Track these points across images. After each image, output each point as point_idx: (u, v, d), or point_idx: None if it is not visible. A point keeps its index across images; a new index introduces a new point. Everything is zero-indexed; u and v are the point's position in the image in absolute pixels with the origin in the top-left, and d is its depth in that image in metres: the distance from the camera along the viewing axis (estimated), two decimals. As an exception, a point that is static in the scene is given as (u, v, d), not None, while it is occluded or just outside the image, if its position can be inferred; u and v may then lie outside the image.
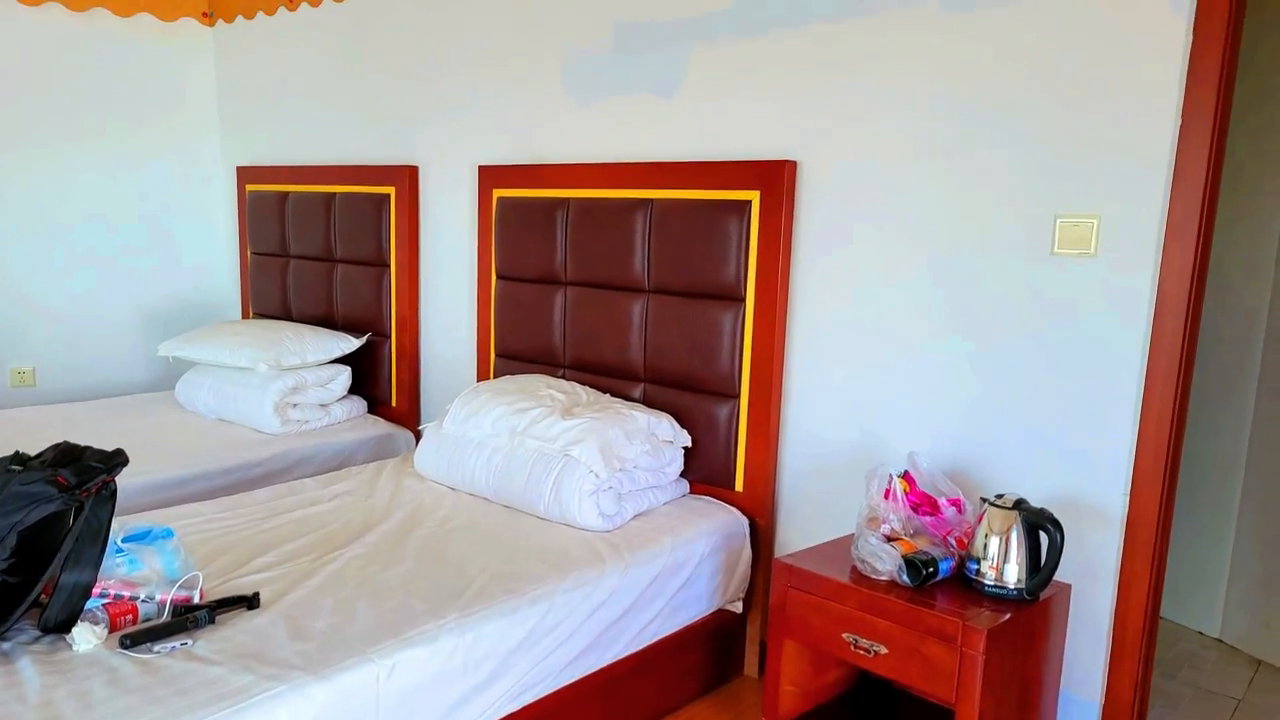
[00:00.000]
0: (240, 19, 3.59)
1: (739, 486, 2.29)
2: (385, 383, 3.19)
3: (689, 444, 2.32)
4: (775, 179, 2.14)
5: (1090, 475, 1.79)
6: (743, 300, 2.22)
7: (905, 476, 1.78)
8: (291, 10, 3.36)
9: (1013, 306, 1.85)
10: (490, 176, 2.77)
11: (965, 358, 1.93)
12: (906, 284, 2.00)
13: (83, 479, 1.48)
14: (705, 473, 2.34)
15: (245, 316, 3.77)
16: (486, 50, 2.78)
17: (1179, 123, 1.63)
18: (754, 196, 2.18)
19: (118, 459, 1.56)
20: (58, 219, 3.48)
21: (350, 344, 3.09)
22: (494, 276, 2.79)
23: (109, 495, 1.53)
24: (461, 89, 2.87)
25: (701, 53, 2.28)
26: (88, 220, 3.55)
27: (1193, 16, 1.60)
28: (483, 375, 2.87)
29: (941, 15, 1.87)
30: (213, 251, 3.89)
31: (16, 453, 1.56)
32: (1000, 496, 1.67)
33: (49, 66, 3.37)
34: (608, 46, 2.48)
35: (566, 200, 2.57)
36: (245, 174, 3.64)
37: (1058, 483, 1.83)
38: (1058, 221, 1.77)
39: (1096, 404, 1.77)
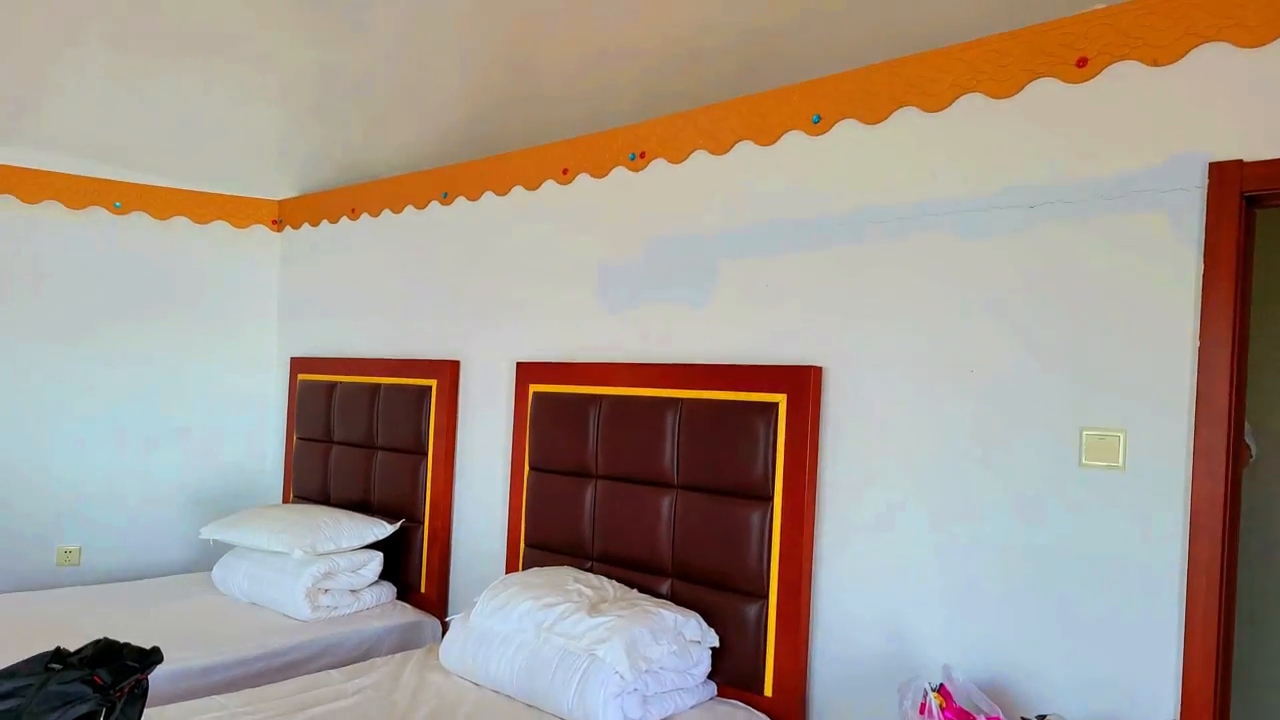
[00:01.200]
0: (306, 226, 3.79)
1: (768, 691, 2.16)
2: (415, 569, 3.13)
3: (717, 644, 2.21)
4: (801, 383, 2.15)
5: (1132, 698, 1.67)
6: (770, 499, 2.18)
7: (941, 690, 1.68)
8: (353, 220, 3.55)
9: (1044, 518, 1.79)
10: (527, 373, 2.82)
11: (997, 566, 1.85)
12: (934, 489, 1.96)
13: (117, 679, 1.46)
14: (733, 674, 2.22)
15: (286, 499, 3.77)
16: (527, 258, 2.89)
17: (1197, 345, 1.62)
18: (781, 399, 2.18)
19: (153, 658, 1.53)
20: (115, 400, 3.55)
21: (384, 529, 3.05)
22: (527, 468, 2.78)
23: (140, 694, 1.49)
24: (503, 291, 2.97)
25: (728, 267, 2.36)
26: (144, 403, 3.62)
27: (1201, 247, 1.62)
28: (512, 565, 2.81)
29: (961, 243, 1.92)
30: (262, 436, 3.93)
31: (57, 649, 1.56)
32: (1042, 718, 1.56)
33: (130, 263, 3.55)
34: (640, 259, 2.57)
35: (599, 397, 2.59)
36: (299, 364, 3.74)
37: (1100, 704, 1.71)
38: (1084, 434, 1.74)
39: (1136, 622, 1.67)
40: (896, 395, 2.02)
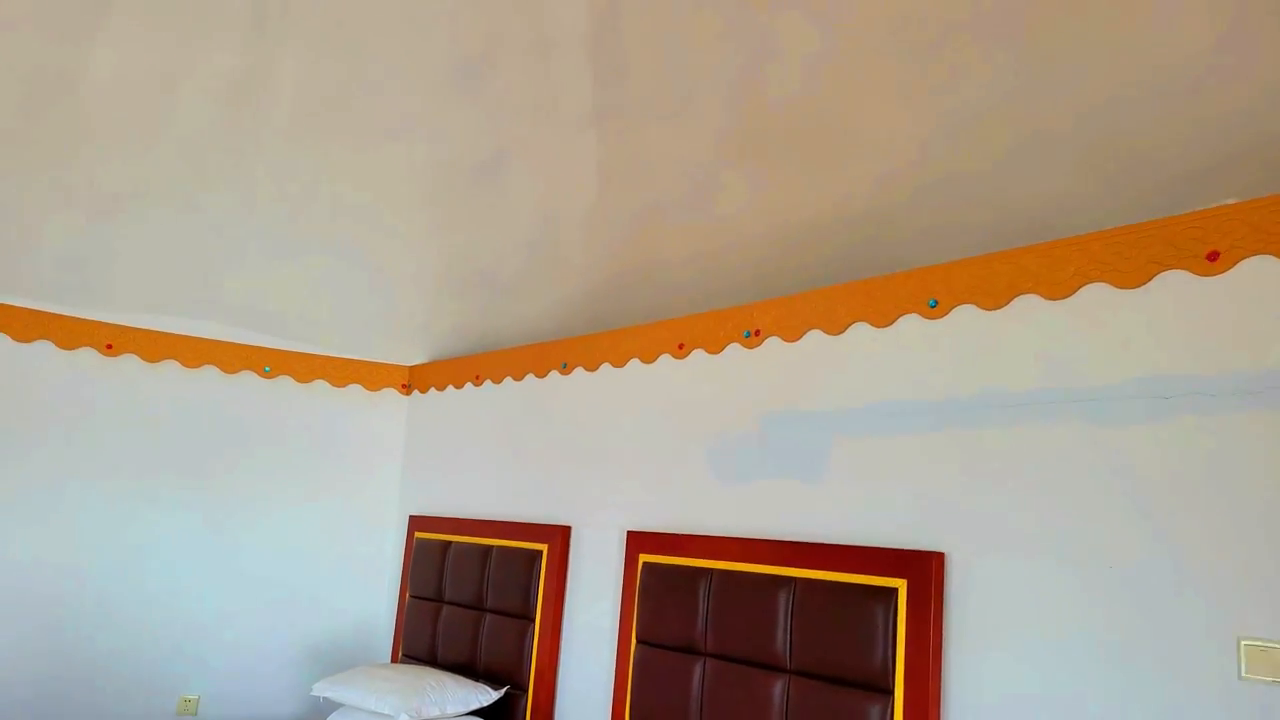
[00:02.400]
0: (433, 390, 3.92)
1: None
2: (517, 739, 3.00)
3: None
4: (922, 569, 2.02)
5: None
6: (890, 693, 2.02)
7: None
8: (477, 386, 3.66)
9: (1198, 731, 1.60)
10: (637, 542, 2.76)
11: (1148, 786, 1.64)
12: (1074, 695, 1.77)
13: None
14: None
15: (395, 657, 3.72)
16: (641, 429, 2.89)
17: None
18: (900, 585, 2.06)
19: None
20: (238, 552, 3.63)
21: (488, 696, 2.96)
22: (634, 640, 2.68)
23: None
24: (616, 460, 2.96)
25: (844, 445, 2.29)
26: (267, 555, 3.69)
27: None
28: (615, 744, 2.66)
29: (1091, 432, 1.82)
30: (377, 591, 3.94)
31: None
32: None
33: (273, 422, 3.72)
34: (753, 435, 2.53)
35: (710, 571, 2.50)
36: (416, 522, 3.78)
37: None
38: (1242, 644, 1.56)
39: None
40: (1026, 588, 1.87)
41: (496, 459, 3.48)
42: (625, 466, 2.92)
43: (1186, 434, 1.68)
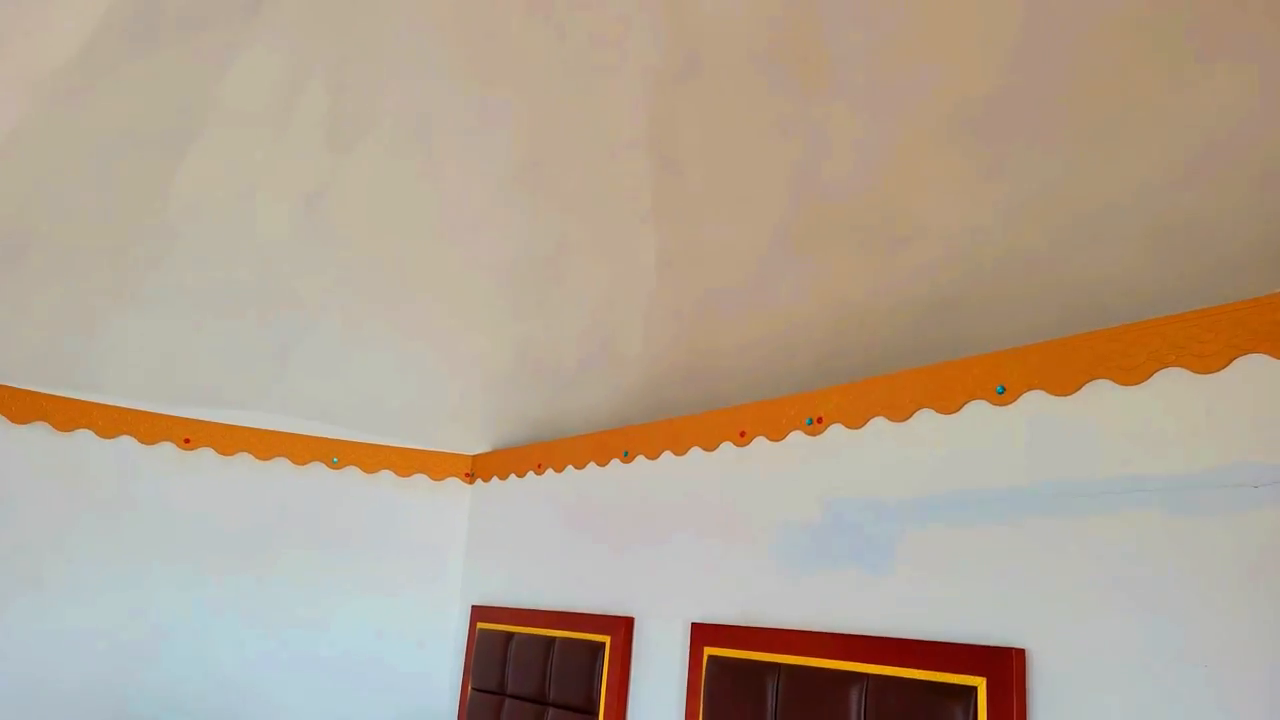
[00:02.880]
0: (495, 479, 3.94)
1: None
2: (582, 842, 2.90)
3: None
4: (1002, 667, 1.93)
5: None
6: (974, 801, 1.91)
7: None
8: (539, 475, 3.66)
9: None
10: (702, 634, 2.69)
11: None
12: (1172, 805, 1.65)
13: None
14: None
15: (457, 752, 3.65)
16: (704, 518, 2.85)
17: None
18: (979, 683, 1.96)
19: None
20: (304, 641, 3.64)
21: (553, 797, 2.88)
22: (701, 739, 2.59)
23: None
24: (680, 550, 2.92)
25: (913, 535, 2.22)
26: (332, 645, 3.69)
27: None
28: None
29: (1175, 522, 1.74)
30: (438, 684, 3.90)
31: None
32: None
33: (341, 512, 3.77)
34: (818, 524, 2.47)
35: (777, 666, 2.42)
36: (479, 613, 3.75)
37: None
38: (1361, 757, 1.45)
39: None
40: (1112, 686, 1.77)
41: (559, 548, 3.46)
42: (688, 556, 2.88)
43: (1276, 525, 1.60)
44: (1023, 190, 2.10)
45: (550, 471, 3.59)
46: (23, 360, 3.16)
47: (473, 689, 3.62)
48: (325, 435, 3.79)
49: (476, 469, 4.05)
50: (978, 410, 2.15)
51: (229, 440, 3.62)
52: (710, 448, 2.90)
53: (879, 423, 2.39)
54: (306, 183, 2.76)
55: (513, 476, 3.82)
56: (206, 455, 3.58)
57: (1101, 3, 1.82)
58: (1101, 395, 1.90)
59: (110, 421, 3.43)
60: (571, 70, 2.42)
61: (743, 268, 2.69)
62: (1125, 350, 1.87)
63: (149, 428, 3.50)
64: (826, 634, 2.33)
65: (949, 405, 2.21)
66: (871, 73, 2.15)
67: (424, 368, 3.53)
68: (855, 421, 2.45)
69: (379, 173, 2.74)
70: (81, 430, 3.39)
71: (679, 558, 2.91)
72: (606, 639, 3.05)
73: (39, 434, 3.34)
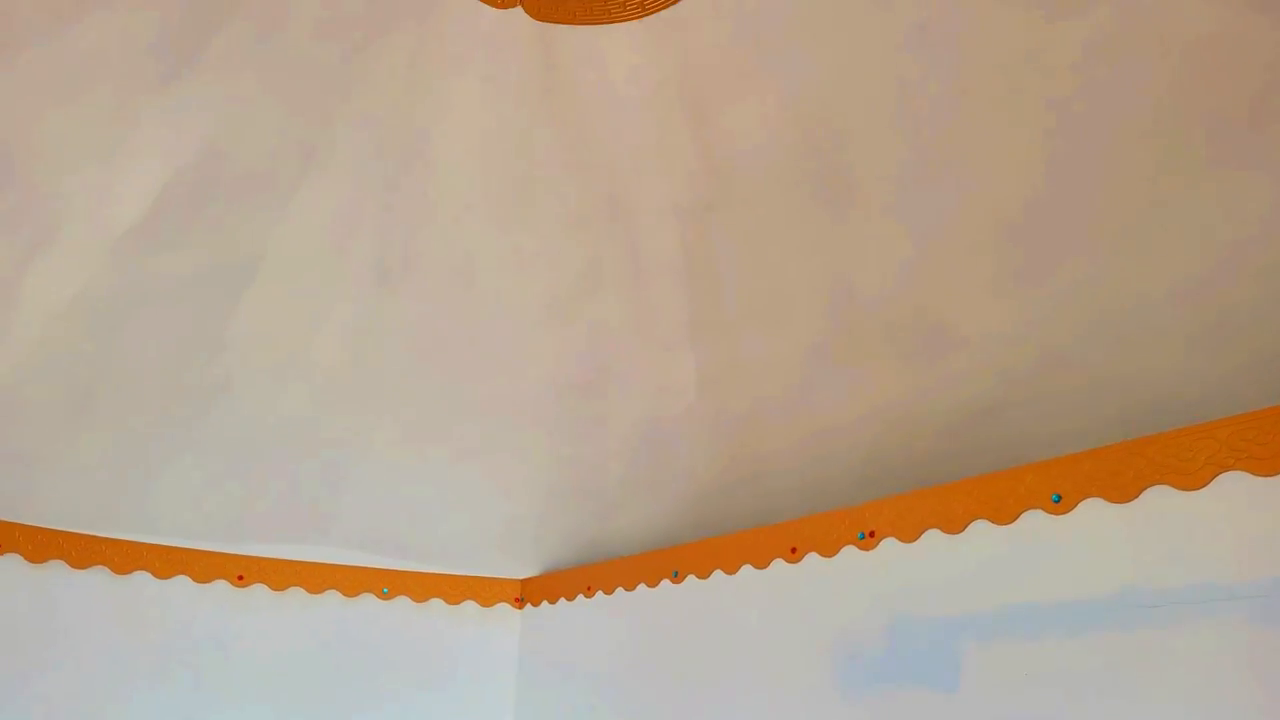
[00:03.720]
0: (545, 603, 3.89)
1: None
2: None
3: None
4: (1087, 795, 1.82)
5: None
6: None
7: None
8: (589, 598, 3.61)
9: None
10: (766, 764, 2.59)
11: None
12: None
13: None
14: None
15: None
16: (758, 634, 2.78)
17: None
18: (1064, 813, 1.85)
19: None
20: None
21: None
22: None
23: None
24: (733, 668, 2.83)
25: (975, 651, 2.14)
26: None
27: None
28: None
29: (1254, 632, 1.67)
30: (493, 821, 3.76)
31: None
32: None
33: (391, 642, 3.73)
34: (875, 641, 2.40)
35: (848, 797, 2.31)
36: (532, 744, 3.64)
37: None
38: None
39: None
40: (1212, 816, 1.66)
41: (610, 671, 3.37)
42: (743, 675, 2.79)
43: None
44: (1058, 293, 2.11)
45: (600, 594, 3.54)
46: (83, 506, 3.23)
47: (529, 827, 3.48)
48: (374, 565, 3.78)
49: (526, 593, 4.00)
50: (1034, 520, 2.10)
51: (281, 575, 3.63)
52: (762, 565, 2.85)
53: (933, 535, 2.34)
54: (356, 320, 2.86)
55: (563, 600, 3.76)
56: (259, 592, 3.59)
57: (1123, 114, 1.87)
58: (1162, 501, 1.86)
59: (166, 562, 3.47)
60: (602, 206, 2.51)
61: (783, 380, 2.70)
62: (1182, 454, 1.83)
63: (203, 566, 3.52)
64: (896, 761, 2.23)
65: (1004, 515, 2.16)
66: (901, 188, 2.20)
67: (471, 494, 3.54)
68: (909, 534, 2.41)
69: (424, 308, 2.83)
70: (139, 572, 3.42)
71: (734, 676, 2.82)
72: (666, 770, 2.94)
73: (98, 578, 3.38)
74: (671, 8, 2.06)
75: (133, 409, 2.96)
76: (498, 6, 2.13)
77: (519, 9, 2.13)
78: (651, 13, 2.09)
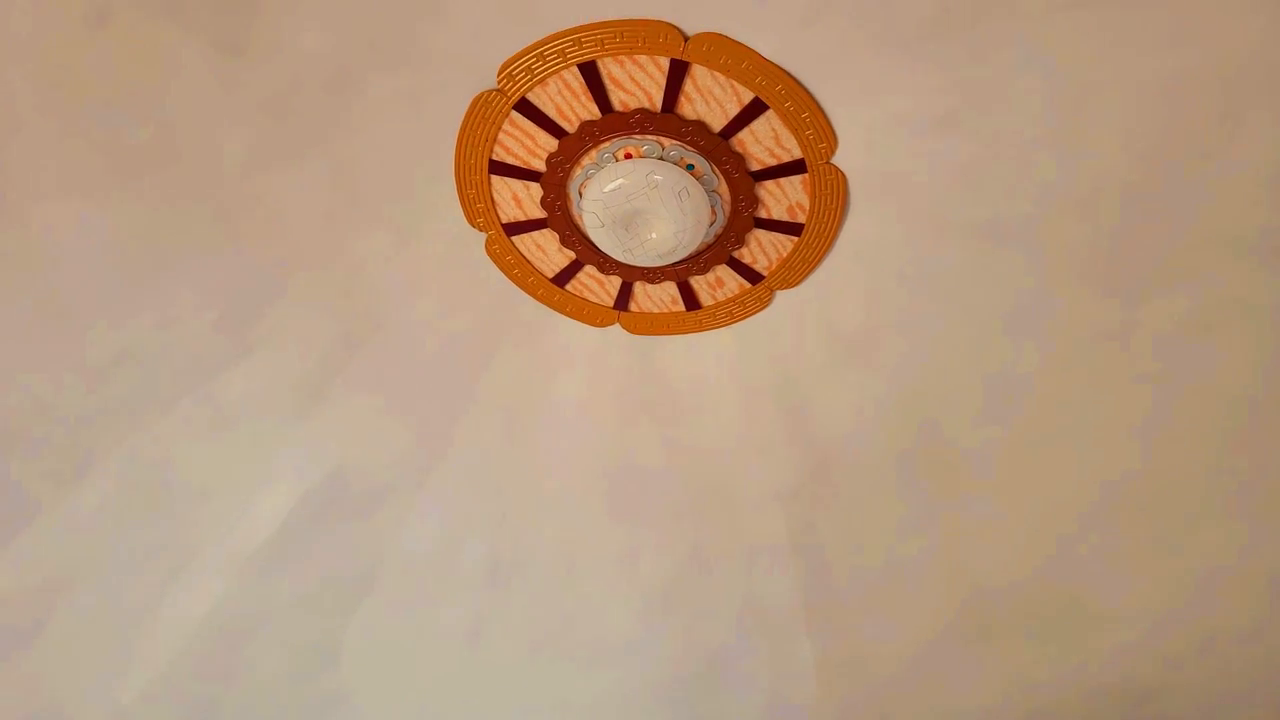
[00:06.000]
0: None
1: None
2: None
3: None
4: None
5: None
6: None
7: None
8: None
9: None
10: None
11: None
12: None
13: None
14: None
15: None
16: None
17: None
18: None
19: None
20: None
21: None
22: None
23: None
24: None
25: None
26: None
27: None
28: None
29: None
30: None
31: None
32: None
33: None
34: None
35: None
36: None
37: None
38: None
39: None
40: None
41: None
42: None
43: None
44: (1207, 565, 2.01)
45: None
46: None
47: None
48: None
49: None
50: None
51: None
52: None
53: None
54: (468, 621, 2.87)
55: None
56: None
57: (1214, 382, 1.86)
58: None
59: None
60: (703, 497, 2.56)
61: (910, 665, 2.56)
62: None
63: None
64: None
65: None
66: (1001, 466, 2.19)
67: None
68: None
69: (534, 605, 2.83)
70: None
71: None
72: None
73: None
74: (758, 315, 2.20)
75: (251, 722, 2.95)
76: (597, 326, 2.31)
77: (616, 326, 2.31)
78: (739, 320, 2.23)
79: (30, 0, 1.59)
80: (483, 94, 1.84)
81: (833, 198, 1.94)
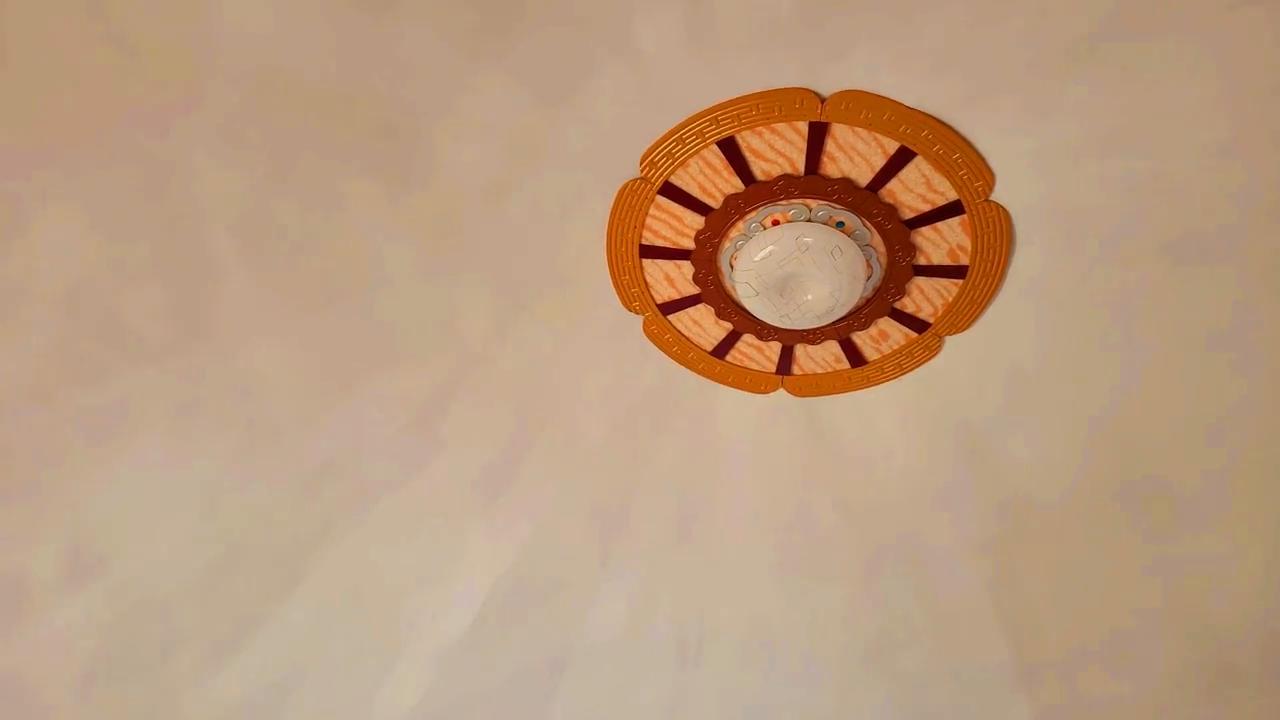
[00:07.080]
0: None
1: None
2: None
3: None
4: None
5: None
6: None
7: None
8: None
9: None
10: None
11: None
12: None
13: None
14: None
15: None
16: None
17: None
18: None
19: None
20: None
21: None
22: None
23: None
24: None
25: None
26: None
27: None
28: None
29: None
30: None
31: None
32: None
33: None
34: None
35: None
36: None
37: None
38: None
39: None
40: None
41: None
42: None
43: None
44: None
45: None
46: None
47: None
48: None
49: None
50: None
51: None
52: None
53: None
54: (661, 701, 2.83)
55: None
56: None
57: None
58: None
59: None
60: (890, 555, 2.44)
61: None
62: None
63: None
64: None
65: None
66: (1226, 498, 1.98)
67: None
68: None
69: (727, 681, 2.77)
70: None
71: None
72: None
73: None
74: (929, 363, 2.12)
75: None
76: (762, 393, 2.28)
77: (781, 391, 2.27)
78: (909, 370, 2.15)
79: (222, 161, 1.76)
80: (628, 183, 1.88)
81: (996, 235, 1.85)
